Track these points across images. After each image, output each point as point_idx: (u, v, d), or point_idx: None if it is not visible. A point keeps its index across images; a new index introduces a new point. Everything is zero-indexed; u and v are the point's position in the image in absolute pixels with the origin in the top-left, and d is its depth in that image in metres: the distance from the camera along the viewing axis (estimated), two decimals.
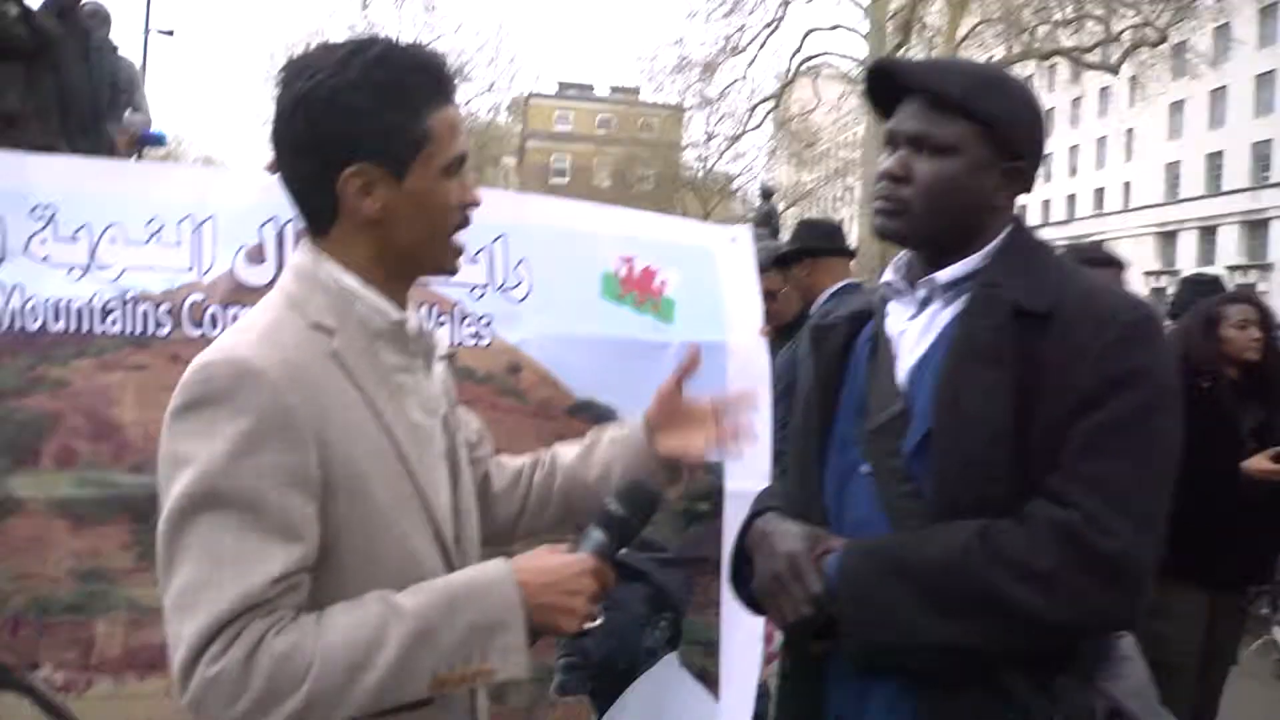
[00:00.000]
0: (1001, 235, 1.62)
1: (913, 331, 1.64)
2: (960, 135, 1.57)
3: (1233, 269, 45.84)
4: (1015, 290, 1.53)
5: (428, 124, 1.37)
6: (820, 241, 4.11)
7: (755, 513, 1.76)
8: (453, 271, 1.50)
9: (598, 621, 1.43)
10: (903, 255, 1.75)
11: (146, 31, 19.05)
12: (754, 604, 1.75)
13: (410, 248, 1.42)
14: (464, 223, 1.46)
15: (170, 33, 20.21)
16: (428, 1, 35.09)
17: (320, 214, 1.40)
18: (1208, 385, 3.55)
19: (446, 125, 1.39)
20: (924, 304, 1.65)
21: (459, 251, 1.48)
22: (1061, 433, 1.46)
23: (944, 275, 1.61)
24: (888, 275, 1.73)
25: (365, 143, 1.34)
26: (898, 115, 1.64)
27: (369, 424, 1.35)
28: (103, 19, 7.11)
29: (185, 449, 1.27)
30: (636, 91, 42.20)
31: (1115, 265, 3.49)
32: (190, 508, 1.25)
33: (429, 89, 1.38)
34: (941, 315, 1.62)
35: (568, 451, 1.83)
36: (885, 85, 1.67)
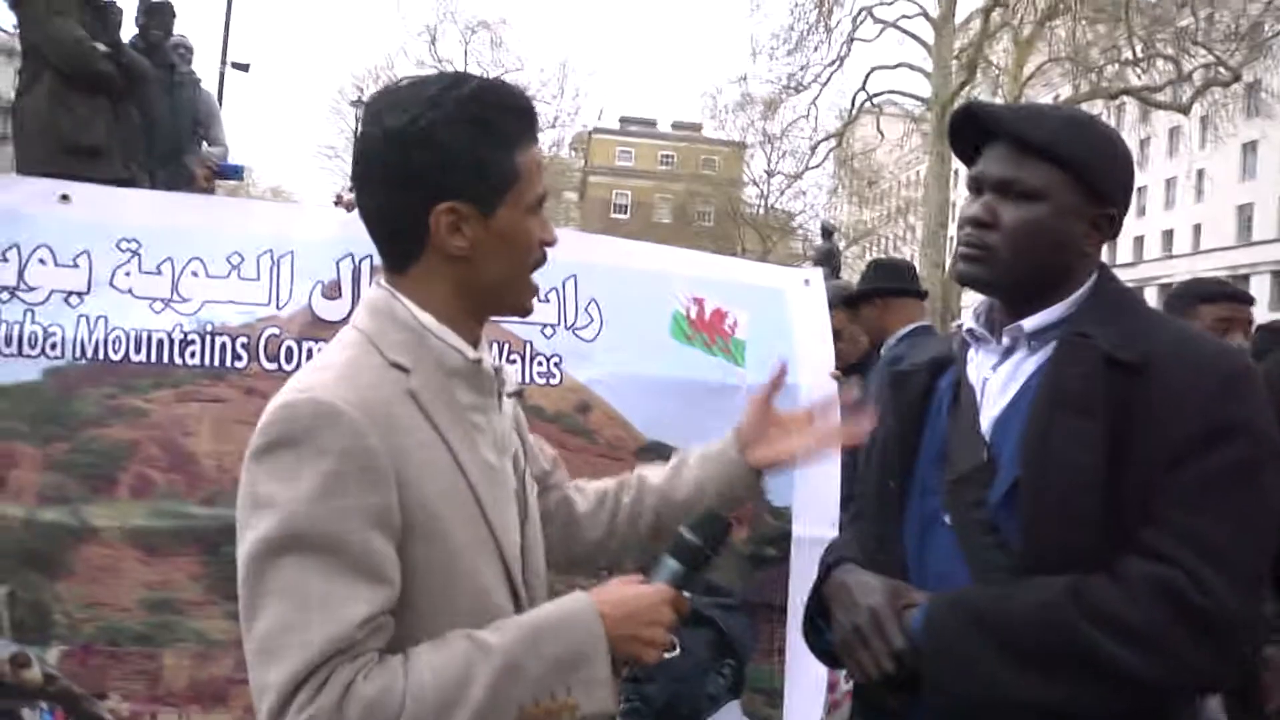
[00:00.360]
0: (1088, 283, 1.59)
1: (997, 380, 1.60)
2: (1048, 180, 1.54)
3: None
4: (1105, 339, 1.49)
5: (517, 162, 1.37)
6: (893, 282, 4.05)
7: (832, 563, 1.72)
8: (528, 311, 1.50)
9: (676, 651, 1.42)
10: (983, 302, 1.71)
11: (224, 65, 19.58)
12: (830, 657, 1.71)
13: (492, 285, 1.41)
14: (542, 260, 1.45)
15: (246, 67, 20.68)
16: (495, 36, 35.84)
17: (406, 250, 1.39)
18: None
19: (533, 163, 1.40)
20: (1008, 352, 1.61)
21: (535, 290, 1.48)
22: (1156, 485, 1.42)
23: (1030, 323, 1.58)
24: (968, 322, 1.70)
25: (458, 179, 1.33)
26: (984, 160, 1.62)
27: (445, 464, 1.34)
28: (186, 52, 7.32)
29: (267, 490, 1.25)
30: (699, 127, 42.45)
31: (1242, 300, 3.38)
32: (273, 550, 1.23)
33: (519, 127, 1.39)
34: (1027, 364, 1.58)
35: (655, 473, 1.82)
36: (970, 129, 1.65)
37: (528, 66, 57.36)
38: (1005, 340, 1.61)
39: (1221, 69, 23.48)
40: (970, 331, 1.68)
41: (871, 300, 3.99)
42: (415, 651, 1.28)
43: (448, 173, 1.33)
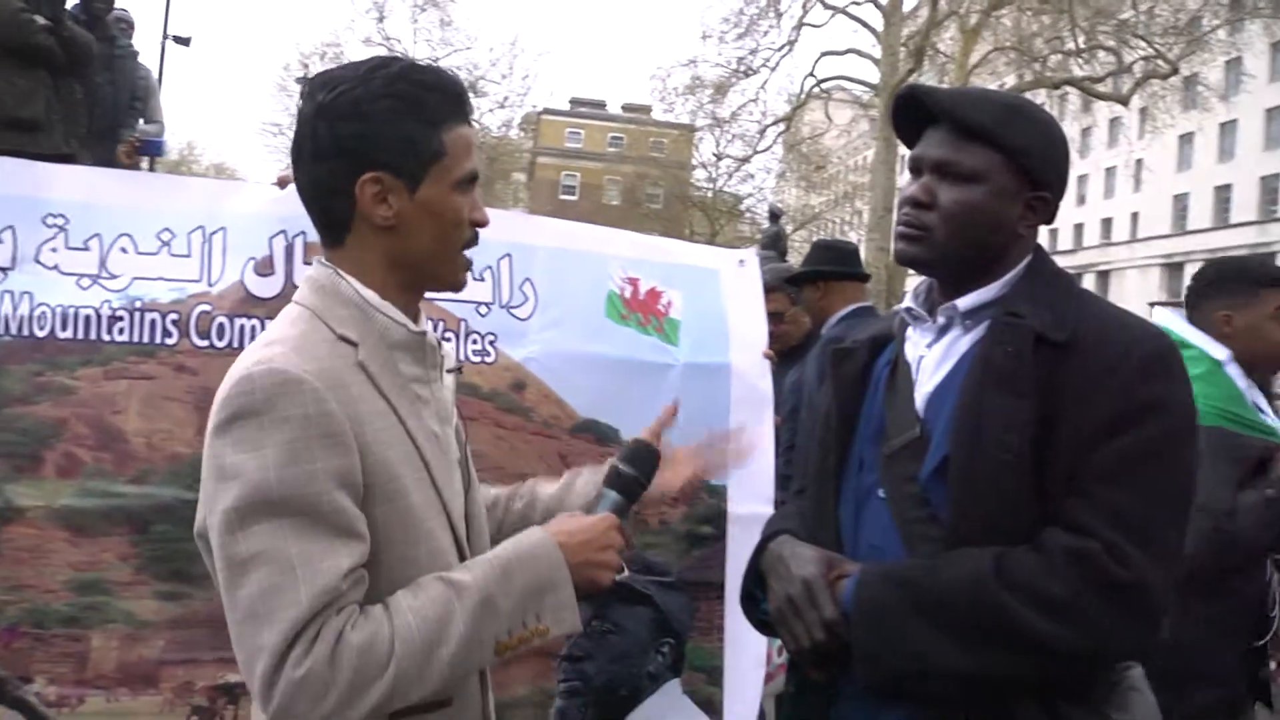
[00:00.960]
0: (1022, 264, 1.63)
1: (932, 358, 1.65)
2: (985, 163, 1.58)
3: None
4: (1036, 319, 1.53)
5: (443, 138, 1.42)
6: (835, 263, 4.04)
7: (770, 535, 1.76)
8: (460, 286, 1.54)
9: (625, 574, 1.55)
10: (922, 282, 1.75)
11: (164, 39, 19.16)
12: (765, 626, 1.75)
13: (420, 258, 1.46)
14: (473, 240, 1.50)
15: (187, 41, 20.24)
16: (444, 16, 35.39)
17: (336, 222, 1.45)
18: None
19: (461, 142, 1.45)
20: (943, 330, 1.66)
21: (466, 266, 1.52)
22: (1079, 461, 1.47)
23: (964, 302, 1.62)
24: (907, 301, 1.74)
25: (382, 151, 1.39)
26: (923, 142, 1.66)
27: (397, 431, 1.40)
28: (127, 26, 7.14)
29: (233, 462, 1.29)
30: (648, 110, 42.32)
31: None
32: (246, 519, 1.27)
33: (446, 106, 1.44)
34: (961, 342, 1.62)
35: (548, 485, 1.86)
36: (912, 112, 1.68)
37: (477, 45, 57.02)
38: (940, 319, 1.65)
39: (1160, 62, 23.92)
40: (909, 310, 1.71)
41: (814, 282, 3.99)
42: (394, 599, 1.35)
43: (372, 145, 1.38)
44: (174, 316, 2.23)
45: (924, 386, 1.63)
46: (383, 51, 34.63)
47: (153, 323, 2.22)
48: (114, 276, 2.22)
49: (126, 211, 2.26)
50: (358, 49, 35.93)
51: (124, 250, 2.24)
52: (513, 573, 1.40)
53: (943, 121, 1.63)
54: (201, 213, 2.30)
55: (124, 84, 6.73)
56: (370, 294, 1.43)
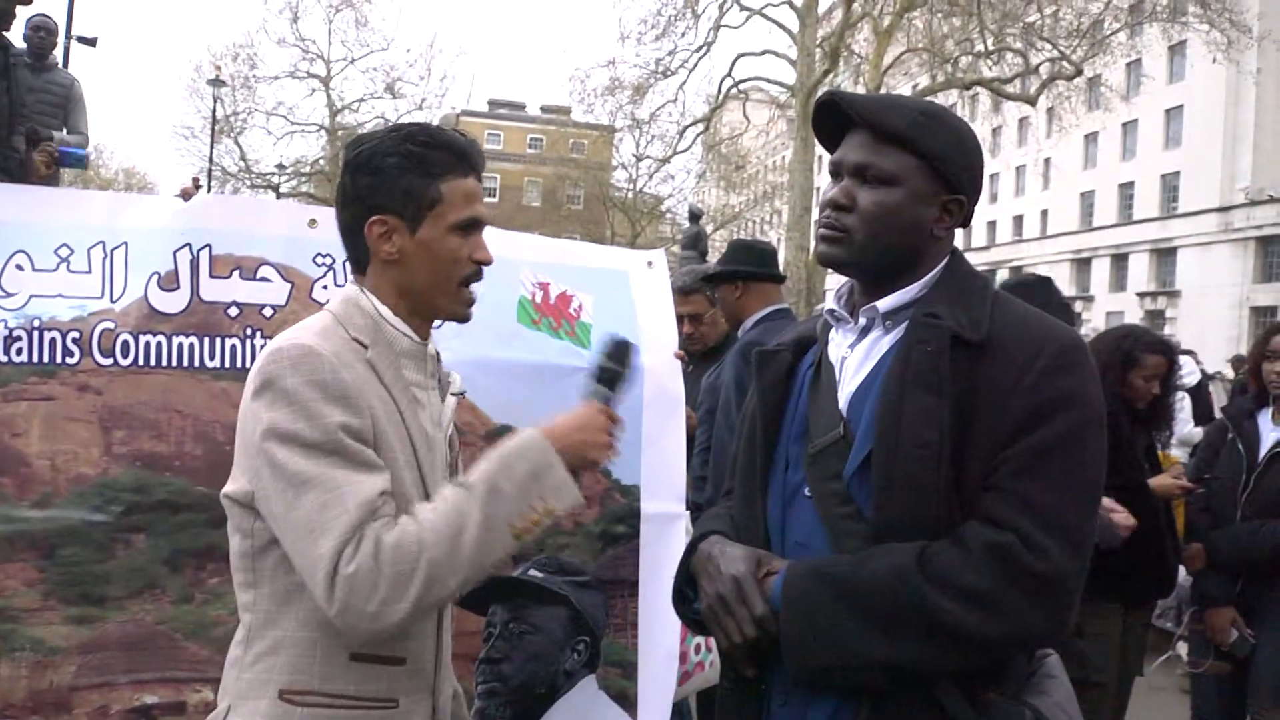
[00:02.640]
0: (939, 266, 1.69)
1: (854, 358, 1.70)
2: (902, 167, 1.64)
3: (1142, 295, 47.42)
4: (953, 319, 1.58)
5: (441, 188, 1.69)
6: (753, 264, 3.98)
7: (700, 535, 1.80)
8: (463, 319, 1.79)
9: (619, 454, 1.79)
10: (844, 284, 1.81)
11: (68, 39, 18.52)
12: (698, 625, 1.79)
13: (422, 288, 1.72)
14: (476, 275, 1.76)
15: (93, 42, 19.59)
16: (359, 16, 34.86)
17: (359, 256, 1.73)
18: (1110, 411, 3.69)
19: (460, 192, 1.71)
20: (864, 331, 1.71)
21: (469, 301, 1.77)
22: (996, 456, 1.52)
23: (885, 303, 1.67)
24: (829, 303, 1.80)
25: (387, 198, 1.67)
26: (843, 146, 1.71)
27: (395, 417, 1.65)
28: (48, 35, 6.87)
29: (270, 417, 1.54)
30: (567, 111, 42.11)
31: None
32: (292, 459, 1.52)
33: (446, 161, 1.70)
34: (881, 342, 1.68)
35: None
36: (832, 117, 1.73)
37: (394, 47, 56.36)
38: (862, 320, 1.70)
39: (1065, 63, 24.65)
40: (831, 312, 1.77)
41: (731, 282, 3.95)
42: (416, 506, 1.60)
43: (380, 193, 1.68)
44: (75, 335, 2.17)
45: (847, 386, 1.68)
46: (297, 53, 34.19)
47: (53, 342, 2.15)
48: (10, 295, 2.16)
49: (21, 227, 2.20)
50: (271, 50, 35.30)
51: (20, 268, 2.18)
52: (510, 464, 1.63)
53: (861, 127, 1.68)
54: (101, 227, 2.24)
55: (18, 93, 6.51)
56: (384, 309, 1.70)
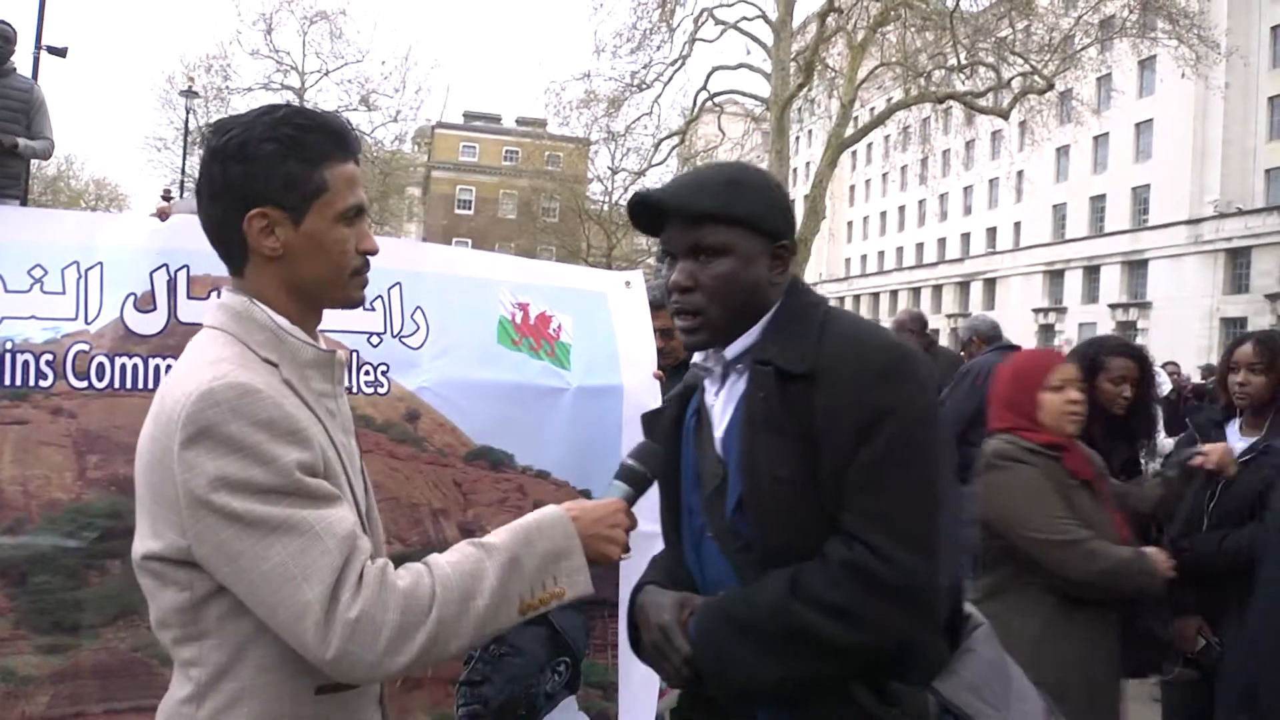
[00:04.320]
0: (773, 309, 1.79)
1: (719, 404, 1.81)
2: (727, 238, 1.74)
3: (1114, 306, 47.90)
4: (781, 358, 1.69)
5: (324, 175, 1.54)
6: None
7: (638, 585, 1.91)
8: (357, 303, 1.64)
9: (629, 555, 1.71)
10: None
11: (38, 49, 18.34)
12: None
13: (312, 284, 1.58)
14: (363, 266, 1.61)
15: (63, 52, 19.42)
16: (334, 28, 34.75)
17: (234, 254, 1.56)
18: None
19: (343, 178, 1.56)
20: (724, 377, 1.82)
21: (361, 286, 1.63)
22: (840, 476, 1.63)
23: (729, 351, 1.79)
24: (695, 357, 1.90)
25: (267, 189, 1.51)
26: (666, 234, 1.80)
27: (326, 440, 1.52)
28: (4, 44, 6.82)
29: (211, 468, 1.38)
30: (543, 123, 42.11)
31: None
32: (250, 510, 1.38)
33: (326, 145, 1.55)
34: (737, 386, 1.79)
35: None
36: (647, 212, 1.82)
37: (369, 59, 56.16)
38: (717, 368, 1.82)
39: (1037, 78, 24.90)
40: (698, 364, 1.88)
41: None
42: (431, 556, 1.52)
43: (258, 183, 1.51)
44: (49, 357, 2.12)
45: (717, 431, 1.80)
46: (271, 65, 34.05)
47: (25, 364, 2.10)
48: None
49: None
50: (245, 61, 35.10)
51: None
52: (534, 539, 1.57)
53: (676, 215, 1.77)
54: (76, 247, 2.20)
55: None
56: (282, 320, 1.54)
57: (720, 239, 1.73)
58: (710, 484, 1.78)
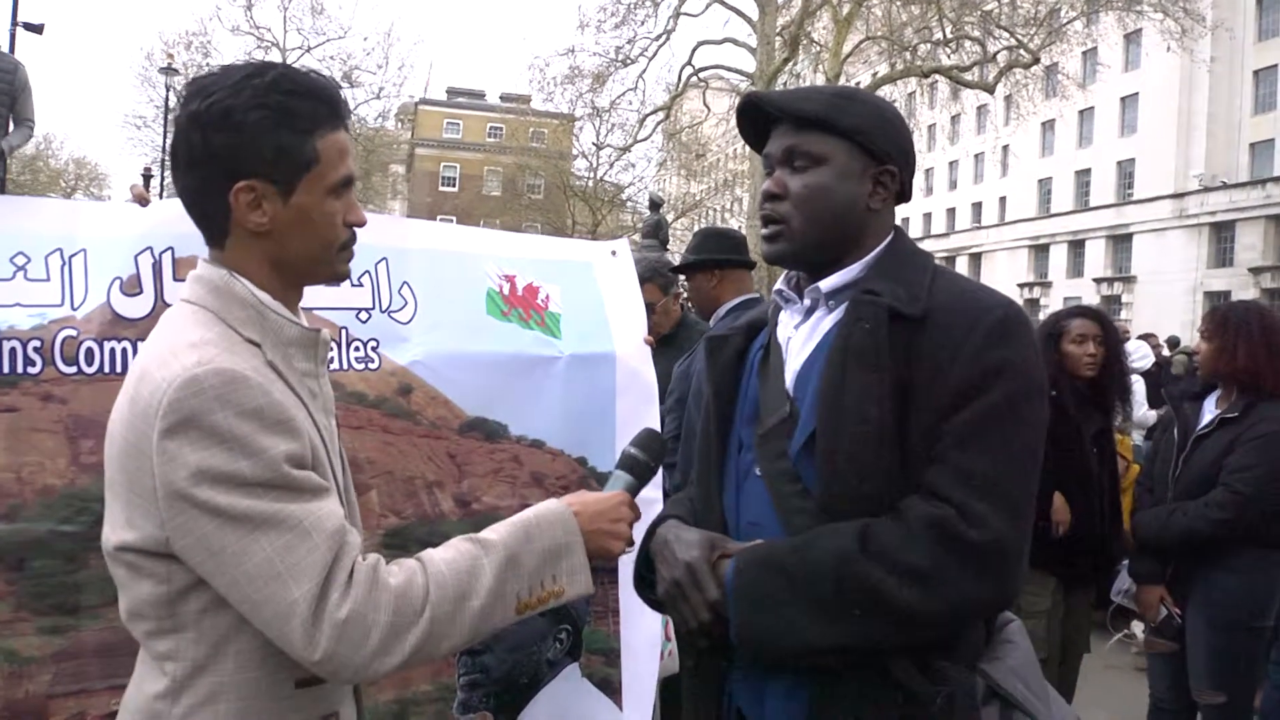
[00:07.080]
0: (881, 246, 1.71)
1: (799, 338, 1.72)
2: (825, 147, 1.67)
3: (1099, 280, 48.10)
4: (891, 295, 1.60)
5: (316, 146, 1.44)
6: (728, 252, 4.01)
7: (658, 520, 1.82)
8: (342, 277, 1.57)
9: (634, 549, 1.69)
10: None
11: (13, 26, 18.10)
12: (658, 606, 1.81)
13: (299, 260, 1.49)
14: (350, 240, 1.53)
15: (39, 28, 19.16)
16: (315, 4, 34.44)
17: (213, 225, 1.47)
18: (1053, 394, 3.73)
19: (335, 148, 1.47)
20: (810, 311, 1.73)
21: (347, 260, 1.55)
22: (936, 429, 1.53)
23: (827, 283, 1.70)
24: (779, 284, 1.82)
25: (255, 160, 1.41)
26: (770, 141, 1.75)
27: (311, 425, 1.45)
28: None
29: (194, 460, 1.30)
30: (527, 100, 41.84)
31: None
32: (234, 504, 1.31)
33: (319, 113, 1.45)
34: (825, 322, 1.69)
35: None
36: (755, 119, 1.78)
37: (351, 35, 55.72)
38: (807, 300, 1.73)
39: (1023, 51, 24.91)
40: (779, 292, 1.80)
41: (708, 270, 3.95)
42: (425, 553, 1.47)
43: (245, 153, 1.40)
44: (36, 343, 2.08)
45: (792, 365, 1.70)
46: (251, 41, 33.73)
47: (13, 351, 2.07)
48: None
49: None
50: (225, 38, 34.79)
51: None
52: (533, 535, 1.52)
53: (782, 120, 1.72)
54: (58, 234, 2.17)
55: None
56: (264, 295, 1.46)
57: (819, 147, 1.67)
58: (769, 421, 1.67)
